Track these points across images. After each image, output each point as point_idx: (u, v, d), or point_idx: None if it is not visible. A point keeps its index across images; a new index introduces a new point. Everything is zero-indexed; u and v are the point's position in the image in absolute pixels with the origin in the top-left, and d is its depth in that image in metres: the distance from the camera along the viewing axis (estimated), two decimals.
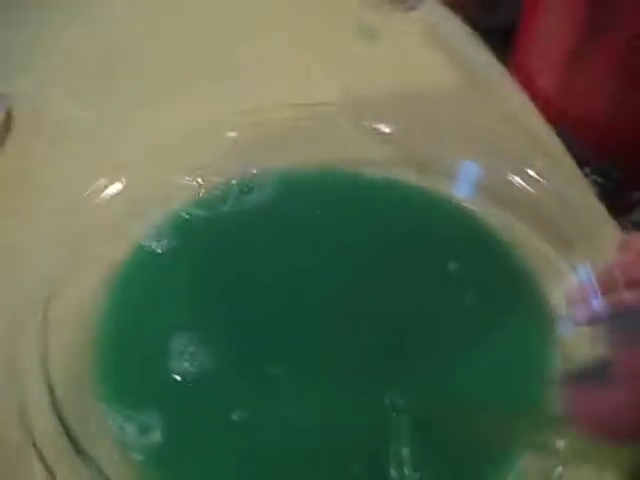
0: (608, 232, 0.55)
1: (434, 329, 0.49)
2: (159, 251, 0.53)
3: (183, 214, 0.55)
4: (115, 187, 0.55)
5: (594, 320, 0.46)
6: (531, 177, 0.56)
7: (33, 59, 0.71)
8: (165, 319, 0.49)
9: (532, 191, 0.55)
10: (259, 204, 0.56)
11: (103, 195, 0.54)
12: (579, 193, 0.58)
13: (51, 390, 0.44)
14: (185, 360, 0.46)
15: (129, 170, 0.55)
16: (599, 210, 0.57)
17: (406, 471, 0.42)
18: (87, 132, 0.63)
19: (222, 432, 0.44)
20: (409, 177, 0.59)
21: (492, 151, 0.59)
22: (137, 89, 0.68)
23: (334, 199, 0.56)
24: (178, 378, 0.46)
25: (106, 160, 0.59)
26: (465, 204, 0.57)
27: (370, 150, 0.60)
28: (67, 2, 0.77)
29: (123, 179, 0.55)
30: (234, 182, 0.57)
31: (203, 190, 0.56)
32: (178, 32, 0.74)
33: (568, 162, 0.61)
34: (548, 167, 0.58)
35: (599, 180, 0.64)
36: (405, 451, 0.42)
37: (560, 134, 0.64)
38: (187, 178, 0.57)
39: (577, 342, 0.48)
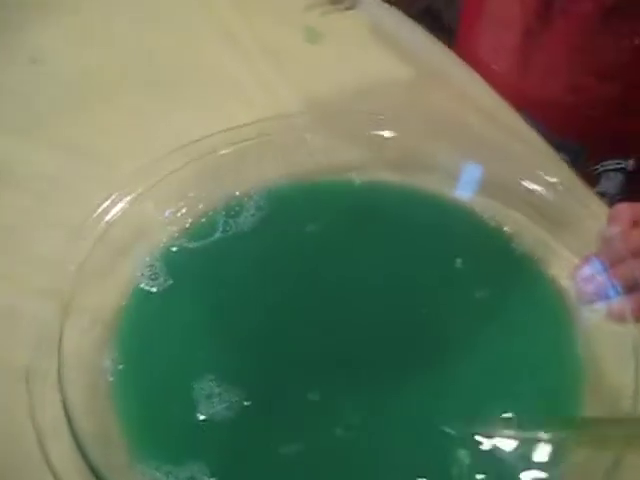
0: (596, 209, 0.56)
1: (456, 331, 0.48)
2: (155, 290, 0.50)
3: (174, 249, 0.52)
4: (97, 231, 0.51)
5: (605, 295, 0.47)
6: (513, 164, 0.56)
7: None
8: (182, 364, 0.47)
9: (518, 179, 0.55)
10: (249, 226, 0.54)
11: (88, 240, 0.51)
12: (559, 174, 0.58)
13: (85, 457, 0.41)
14: (215, 403, 0.44)
15: (109, 213, 0.52)
16: (582, 188, 0.58)
17: None
18: (53, 176, 0.60)
19: (275, 469, 0.42)
20: (392, 177, 0.57)
21: (468, 142, 0.58)
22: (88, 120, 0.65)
23: (326, 208, 0.55)
24: (213, 422, 0.43)
25: (79, 205, 0.56)
26: (450, 197, 0.56)
27: (349, 155, 0.59)
28: None
29: (104, 222, 0.52)
30: (218, 208, 0.54)
31: (190, 220, 0.54)
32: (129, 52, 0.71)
33: (542, 145, 0.61)
34: (527, 152, 0.58)
35: (564, 157, 0.64)
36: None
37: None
38: (169, 211, 0.54)
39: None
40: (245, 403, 0.44)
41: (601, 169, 0.70)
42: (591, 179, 0.68)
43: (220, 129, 0.58)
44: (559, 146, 0.64)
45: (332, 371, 0.46)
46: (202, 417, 0.44)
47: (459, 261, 0.51)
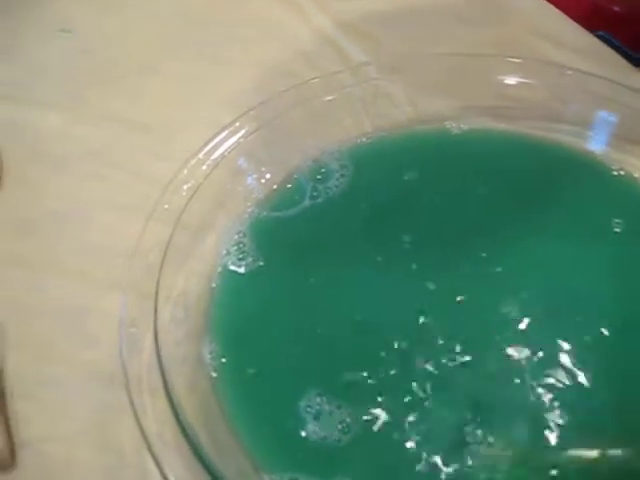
0: None
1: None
2: (245, 271, 0.44)
3: (260, 221, 0.46)
4: (171, 209, 0.45)
5: None
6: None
7: None
8: (289, 374, 0.40)
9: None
10: (339, 189, 0.47)
11: (162, 220, 0.44)
12: None
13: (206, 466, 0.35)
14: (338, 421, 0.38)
15: (181, 188, 0.45)
16: None
17: None
18: (104, 153, 0.53)
19: None
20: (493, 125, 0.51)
21: (560, 80, 0.51)
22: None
23: (422, 161, 0.48)
24: (340, 441, 0.37)
25: (142, 184, 0.50)
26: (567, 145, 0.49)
27: (438, 104, 0.52)
28: None
29: (177, 198, 0.45)
30: (302, 172, 0.48)
31: (274, 187, 0.47)
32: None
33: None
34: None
35: None
36: None
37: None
38: (252, 177, 0.47)
39: None
40: (367, 416, 0.38)
41: None
42: None
43: (282, 88, 0.51)
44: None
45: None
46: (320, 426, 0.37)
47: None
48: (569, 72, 0.49)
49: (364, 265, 0.44)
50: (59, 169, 0.53)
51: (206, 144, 0.47)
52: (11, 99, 0.57)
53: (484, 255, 0.43)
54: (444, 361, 0.39)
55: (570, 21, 0.60)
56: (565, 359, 0.38)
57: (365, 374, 0.39)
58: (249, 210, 0.46)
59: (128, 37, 0.61)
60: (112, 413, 0.41)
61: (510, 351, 0.39)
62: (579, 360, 0.38)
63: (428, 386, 0.38)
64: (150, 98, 0.57)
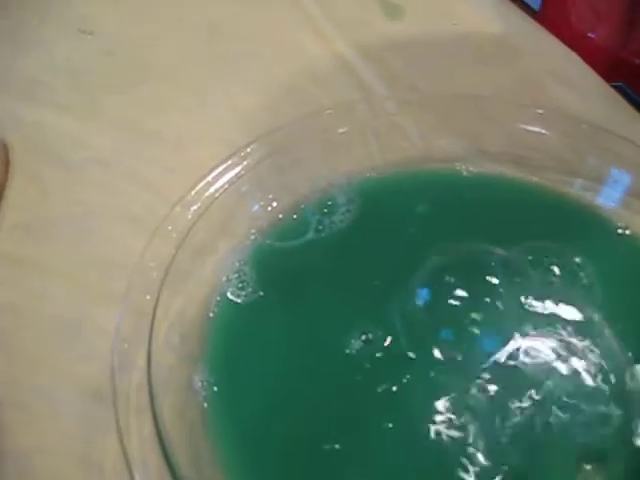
0: None
1: None
2: (244, 301, 0.44)
3: (263, 250, 0.46)
4: (174, 228, 0.45)
5: None
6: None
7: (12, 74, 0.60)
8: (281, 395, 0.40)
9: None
10: (344, 224, 0.47)
11: (163, 238, 0.44)
12: None
13: None
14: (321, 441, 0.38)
15: (186, 207, 0.46)
16: None
17: None
18: (114, 162, 0.53)
19: None
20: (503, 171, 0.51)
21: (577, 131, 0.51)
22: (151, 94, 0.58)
23: (438, 200, 0.48)
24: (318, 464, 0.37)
25: (148, 196, 0.50)
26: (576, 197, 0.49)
27: (448, 144, 0.52)
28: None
29: (182, 217, 0.45)
30: (309, 203, 0.48)
31: (280, 215, 0.47)
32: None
33: None
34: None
35: None
36: None
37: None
38: (258, 205, 0.47)
39: None
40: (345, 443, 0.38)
41: None
42: None
43: (296, 112, 0.52)
44: None
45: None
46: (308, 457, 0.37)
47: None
48: (584, 126, 0.49)
49: (363, 304, 0.43)
50: (67, 173, 0.53)
51: (216, 167, 0.46)
52: (25, 97, 0.57)
53: (487, 300, 0.43)
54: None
55: (588, 68, 0.60)
56: None
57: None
58: (252, 237, 0.46)
59: (150, 44, 0.62)
60: (98, 430, 0.41)
61: None
62: None
63: None
64: (165, 108, 0.57)
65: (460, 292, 0.43)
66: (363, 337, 0.42)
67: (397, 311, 0.43)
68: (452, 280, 0.43)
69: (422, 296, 0.43)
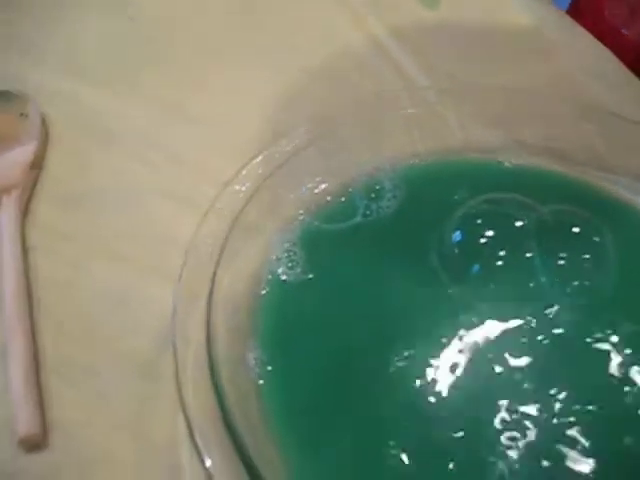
0: None
1: None
2: (294, 280, 0.44)
3: (311, 231, 0.46)
4: (221, 205, 0.45)
5: None
6: None
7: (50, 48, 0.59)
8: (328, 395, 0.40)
9: None
10: (391, 209, 0.47)
11: (209, 215, 0.44)
12: None
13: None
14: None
15: (232, 185, 0.45)
16: None
17: None
18: (155, 137, 0.53)
19: None
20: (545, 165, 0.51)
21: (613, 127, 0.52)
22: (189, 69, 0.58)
23: (482, 190, 0.48)
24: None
25: (191, 173, 0.50)
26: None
27: (489, 135, 0.52)
28: None
29: (228, 195, 0.45)
30: (356, 187, 0.48)
31: (327, 198, 0.47)
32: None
33: None
34: None
35: None
36: None
37: None
38: (305, 187, 0.47)
39: None
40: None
41: None
42: None
43: (338, 99, 0.54)
44: None
45: None
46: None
47: None
48: (625, 123, 0.50)
49: (408, 287, 0.44)
50: (107, 146, 0.53)
51: (266, 148, 0.46)
52: (62, 71, 0.57)
53: (531, 285, 0.43)
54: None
55: (620, 64, 0.61)
56: None
57: None
58: (301, 218, 0.46)
59: (191, 21, 0.62)
60: (146, 405, 0.41)
61: None
62: None
63: None
64: (205, 86, 0.57)
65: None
66: None
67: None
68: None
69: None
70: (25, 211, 0.48)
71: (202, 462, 0.35)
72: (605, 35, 0.61)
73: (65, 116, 0.54)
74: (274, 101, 0.55)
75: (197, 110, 0.54)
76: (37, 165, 0.50)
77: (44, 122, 0.52)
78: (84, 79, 0.56)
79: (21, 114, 0.52)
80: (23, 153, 0.50)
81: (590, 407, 0.39)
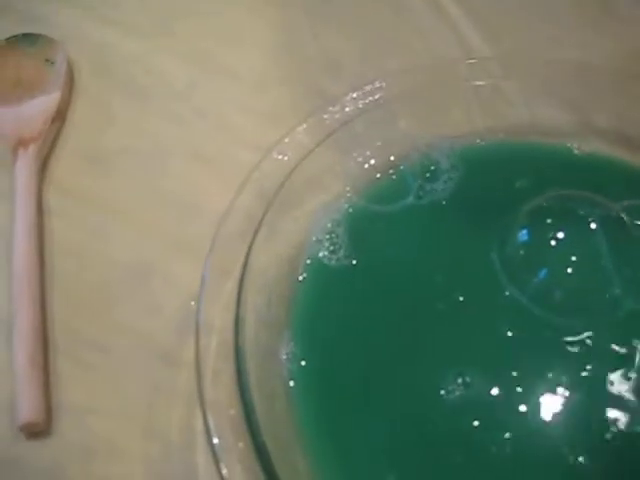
0: None
1: None
2: (335, 264, 0.40)
3: (358, 212, 0.41)
4: (260, 179, 0.40)
5: None
6: None
7: None
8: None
9: None
10: (446, 192, 0.43)
11: (247, 188, 0.40)
12: None
13: None
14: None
15: (273, 156, 0.41)
16: None
17: None
18: (188, 95, 0.48)
19: None
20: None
21: None
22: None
23: (549, 178, 0.43)
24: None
25: (229, 138, 0.45)
26: None
27: (550, 114, 0.47)
28: None
29: (268, 167, 0.40)
30: (409, 164, 0.43)
31: (377, 174, 0.43)
32: None
33: None
34: None
35: None
36: None
37: None
38: (354, 160, 0.43)
39: None
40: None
41: None
42: None
43: (391, 66, 0.49)
44: None
45: None
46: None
47: None
48: None
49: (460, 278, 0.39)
50: (135, 101, 0.48)
51: (311, 115, 0.42)
52: (91, 12, 0.52)
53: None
54: None
55: None
56: None
57: None
58: (347, 196, 0.41)
59: None
60: (161, 394, 0.37)
61: None
62: None
63: None
64: (244, 43, 0.52)
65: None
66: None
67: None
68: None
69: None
70: (43, 168, 0.44)
71: (218, 469, 0.31)
72: None
73: (94, 65, 0.49)
74: (321, 64, 0.50)
75: (235, 67, 0.49)
76: (60, 117, 0.46)
77: (70, 70, 0.48)
78: (117, 26, 0.52)
79: (47, 60, 0.48)
80: (46, 103, 0.46)
81: None
